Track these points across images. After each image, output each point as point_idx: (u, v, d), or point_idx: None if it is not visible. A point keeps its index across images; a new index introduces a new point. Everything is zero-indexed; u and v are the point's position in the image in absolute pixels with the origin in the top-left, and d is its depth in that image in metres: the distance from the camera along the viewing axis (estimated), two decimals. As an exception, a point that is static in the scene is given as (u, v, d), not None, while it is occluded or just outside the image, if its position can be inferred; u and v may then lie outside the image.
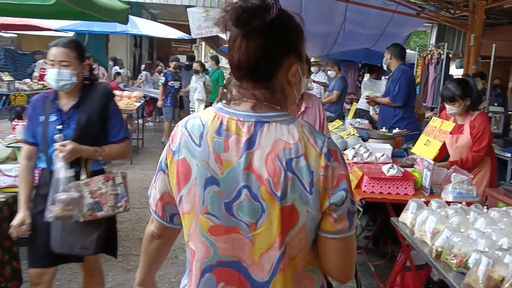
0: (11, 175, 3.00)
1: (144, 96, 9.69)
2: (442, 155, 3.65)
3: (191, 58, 11.06)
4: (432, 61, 8.40)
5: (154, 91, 11.34)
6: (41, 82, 9.87)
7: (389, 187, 3.01)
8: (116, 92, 8.85)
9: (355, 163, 3.51)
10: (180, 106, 9.85)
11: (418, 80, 9.34)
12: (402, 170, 3.09)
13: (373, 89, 7.45)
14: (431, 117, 7.68)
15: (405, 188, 3.01)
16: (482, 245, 1.84)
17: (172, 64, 9.90)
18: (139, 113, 9.37)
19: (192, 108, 9.83)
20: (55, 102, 2.43)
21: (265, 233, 1.13)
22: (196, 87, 9.57)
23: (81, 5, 3.79)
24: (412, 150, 3.68)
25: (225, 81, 12.02)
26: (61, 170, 2.27)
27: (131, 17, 11.40)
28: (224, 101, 1.21)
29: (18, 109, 8.53)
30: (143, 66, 14.03)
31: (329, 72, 7.90)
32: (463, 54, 8.48)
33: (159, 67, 14.02)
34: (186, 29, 9.55)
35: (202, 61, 12.24)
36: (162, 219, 1.31)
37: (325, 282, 1.28)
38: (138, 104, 8.27)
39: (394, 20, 9.46)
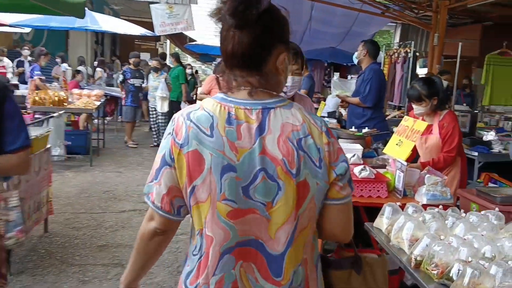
0: None
1: (105, 95, 9.31)
2: (412, 156, 3.57)
3: (163, 57, 10.70)
4: (399, 60, 8.43)
5: (116, 90, 10.96)
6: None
7: (361, 190, 2.88)
8: (75, 91, 8.44)
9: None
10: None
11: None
12: (374, 171, 2.97)
13: (342, 88, 7.41)
14: (398, 116, 7.73)
15: (378, 191, 2.88)
16: (464, 253, 1.72)
17: (131, 61, 9.49)
18: (100, 112, 8.98)
19: (152, 107, 9.50)
20: None
21: (282, 208, 1.24)
22: (155, 85, 9.27)
23: (35, -4, 3.56)
24: (383, 151, 3.58)
25: (188, 78, 11.71)
26: None
27: (91, 13, 11.03)
28: (225, 91, 1.29)
29: None
30: (95, 63, 13.62)
31: (295, 71, 7.80)
32: (427, 53, 8.55)
33: (109, 64, 13.69)
34: (150, 26, 9.24)
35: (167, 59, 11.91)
36: (169, 213, 1.31)
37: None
38: (98, 103, 7.91)
39: (359, 19, 9.47)
